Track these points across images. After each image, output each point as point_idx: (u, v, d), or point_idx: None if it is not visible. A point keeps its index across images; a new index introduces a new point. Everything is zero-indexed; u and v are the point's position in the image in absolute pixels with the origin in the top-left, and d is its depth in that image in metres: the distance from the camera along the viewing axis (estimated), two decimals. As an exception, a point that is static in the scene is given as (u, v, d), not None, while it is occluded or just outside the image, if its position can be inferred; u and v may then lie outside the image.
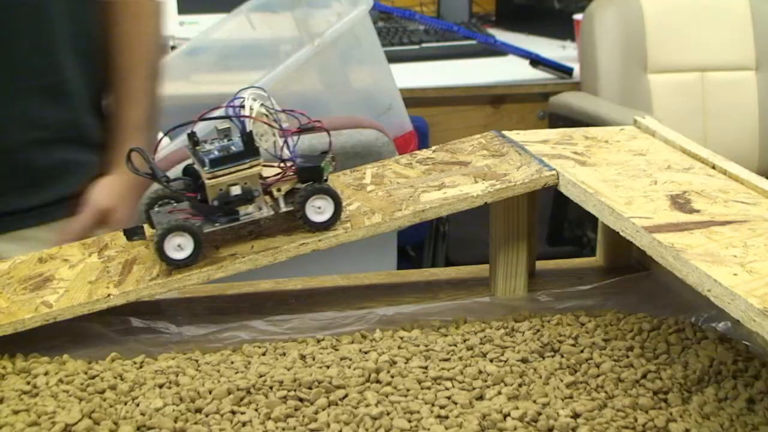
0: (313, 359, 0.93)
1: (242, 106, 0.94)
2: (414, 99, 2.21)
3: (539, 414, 0.83)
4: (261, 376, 0.89)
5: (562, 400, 0.86)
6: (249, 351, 0.96)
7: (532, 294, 1.08)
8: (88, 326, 1.00)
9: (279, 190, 0.97)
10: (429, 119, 2.32)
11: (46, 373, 0.90)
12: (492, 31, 2.82)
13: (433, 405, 0.85)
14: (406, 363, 0.92)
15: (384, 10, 2.62)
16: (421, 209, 0.99)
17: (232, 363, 0.92)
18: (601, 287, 1.09)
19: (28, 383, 0.89)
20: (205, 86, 1.99)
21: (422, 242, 2.33)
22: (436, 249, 2.34)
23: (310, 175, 0.97)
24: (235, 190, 0.94)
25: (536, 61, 2.45)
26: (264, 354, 0.95)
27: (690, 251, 0.82)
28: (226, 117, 0.94)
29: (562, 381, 0.89)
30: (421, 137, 2.09)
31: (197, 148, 0.95)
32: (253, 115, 0.93)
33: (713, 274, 0.78)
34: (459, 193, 1.00)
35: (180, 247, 0.94)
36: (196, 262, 0.95)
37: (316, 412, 0.84)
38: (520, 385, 0.88)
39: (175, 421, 0.82)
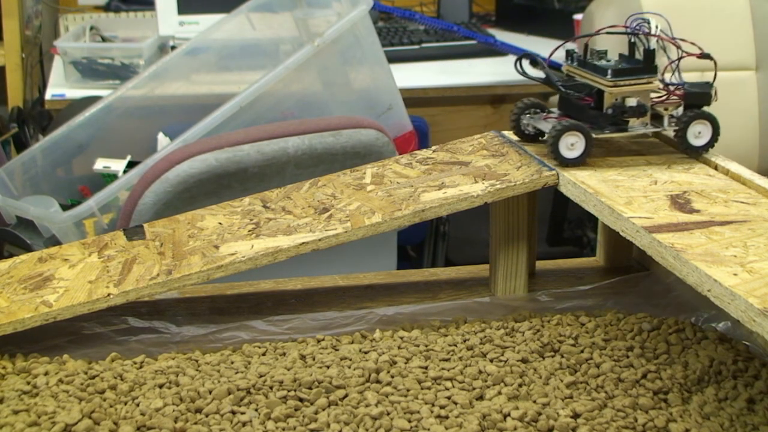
0: (313, 359, 0.93)
1: (642, 27, 1.00)
2: (414, 99, 2.20)
3: (539, 414, 0.83)
4: (261, 376, 0.89)
5: (562, 400, 0.86)
6: (249, 351, 0.96)
7: (532, 294, 1.08)
8: (88, 326, 1.00)
9: (666, 109, 1.02)
10: (429, 119, 2.31)
11: (46, 373, 0.90)
12: (492, 31, 2.81)
13: (433, 405, 0.85)
14: (406, 363, 0.92)
15: (384, 10, 2.61)
16: (421, 209, 0.99)
17: (232, 363, 0.92)
18: (601, 287, 1.09)
19: (28, 383, 0.89)
20: (205, 86, 1.98)
21: (422, 242, 2.33)
22: (436, 249, 2.34)
23: (697, 99, 1.02)
24: (630, 102, 1.00)
25: (536, 61, 2.45)
26: (264, 354, 0.95)
27: (690, 251, 0.82)
28: (633, 33, 1.01)
29: (562, 381, 0.89)
30: (421, 137, 2.08)
31: (588, 61, 1.04)
32: (658, 34, 1.00)
33: (713, 274, 0.78)
34: (459, 193, 1.00)
35: (572, 146, 1.00)
36: (584, 163, 1.01)
37: (316, 412, 0.84)
38: (520, 385, 0.88)
39: (175, 421, 0.82)
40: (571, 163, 1.01)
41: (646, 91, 1.01)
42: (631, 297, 1.07)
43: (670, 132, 1.04)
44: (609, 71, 1.00)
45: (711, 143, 1.02)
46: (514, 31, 2.88)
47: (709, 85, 1.03)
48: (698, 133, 1.01)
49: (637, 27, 1.01)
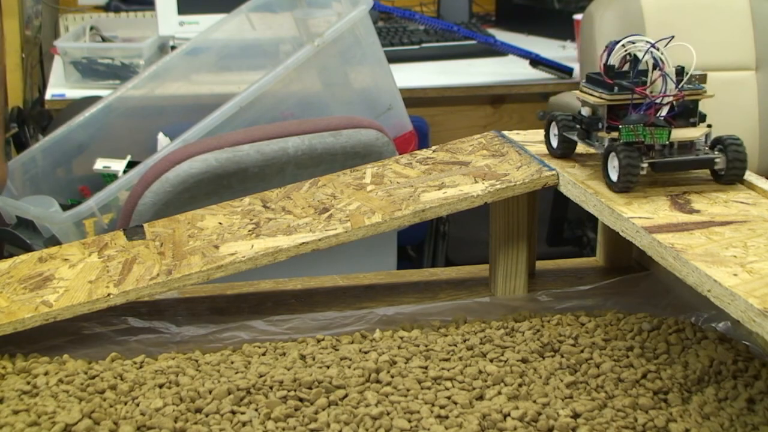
0: (313, 359, 0.93)
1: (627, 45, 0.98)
2: (414, 99, 2.20)
3: (539, 414, 0.83)
4: (261, 376, 0.89)
5: (562, 400, 0.86)
6: (249, 351, 0.96)
7: (532, 294, 1.08)
8: (88, 326, 1.00)
9: (609, 133, 0.99)
10: (429, 119, 2.32)
11: (46, 373, 0.90)
12: (492, 31, 2.81)
13: (433, 405, 0.85)
14: (406, 363, 0.92)
15: (384, 10, 2.61)
16: (421, 209, 0.99)
17: (232, 363, 0.92)
18: (601, 287, 1.09)
19: (28, 383, 0.89)
20: (206, 86, 1.98)
21: (422, 242, 2.33)
22: (436, 249, 2.34)
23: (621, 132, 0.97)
24: (585, 111, 1.00)
25: (536, 61, 2.45)
26: (264, 354, 0.95)
27: (690, 251, 0.82)
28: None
29: (562, 381, 0.89)
30: (421, 137, 2.08)
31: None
32: (616, 56, 0.98)
33: (713, 274, 0.78)
34: (459, 193, 1.00)
35: (555, 136, 1.05)
36: (561, 155, 1.04)
37: (316, 412, 0.84)
38: (520, 385, 0.88)
39: (175, 421, 0.82)
40: (553, 153, 1.05)
41: (598, 105, 0.97)
42: (631, 297, 1.07)
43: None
44: (586, 76, 1.01)
45: (620, 183, 0.94)
46: (514, 31, 2.88)
47: (641, 119, 0.95)
48: (614, 167, 0.96)
49: (631, 46, 0.98)
